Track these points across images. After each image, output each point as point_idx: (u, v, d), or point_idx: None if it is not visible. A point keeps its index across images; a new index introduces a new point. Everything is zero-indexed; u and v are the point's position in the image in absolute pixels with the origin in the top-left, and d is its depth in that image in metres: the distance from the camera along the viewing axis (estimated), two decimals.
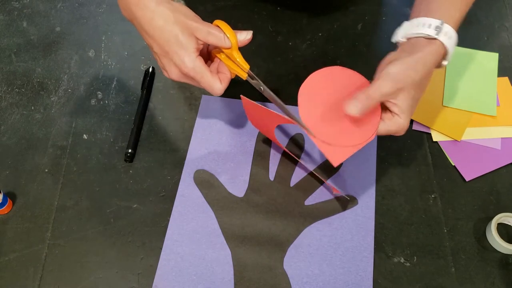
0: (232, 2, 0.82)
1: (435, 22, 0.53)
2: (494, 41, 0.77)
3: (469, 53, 0.75)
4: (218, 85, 0.55)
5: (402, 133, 0.55)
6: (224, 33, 0.54)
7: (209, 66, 0.56)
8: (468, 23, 0.79)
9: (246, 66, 0.56)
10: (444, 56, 0.55)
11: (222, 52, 0.57)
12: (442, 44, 0.53)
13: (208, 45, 0.59)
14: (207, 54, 0.59)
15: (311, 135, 0.54)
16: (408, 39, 0.55)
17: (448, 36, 0.53)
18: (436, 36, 0.53)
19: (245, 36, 0.55)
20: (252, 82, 0.58)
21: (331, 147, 0.54)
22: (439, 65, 0.56)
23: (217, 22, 0.54)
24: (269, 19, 0.80)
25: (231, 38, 0.54)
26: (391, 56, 0.55)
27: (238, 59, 0.56)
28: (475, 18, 0.80)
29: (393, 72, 0.52)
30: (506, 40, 0.77)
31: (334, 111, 0.55)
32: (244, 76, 0.57)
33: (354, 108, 0.52)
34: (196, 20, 0.53)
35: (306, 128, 0.54)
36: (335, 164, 0.53)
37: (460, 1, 0.56)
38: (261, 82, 0.57)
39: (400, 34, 0.56)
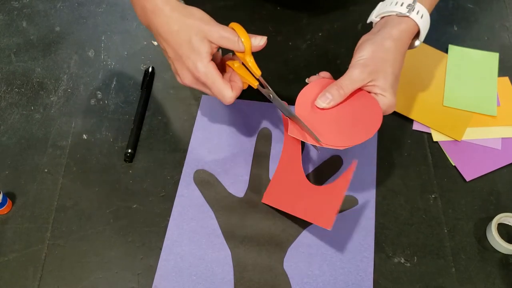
0: (232, 2, 0.82)
1: (407, 0, 0.55)
2: (494, 41, 0.77)
3: (469, 53, 0.75)
4: (229, 93, 0.54)
5: (390, 111, 0.55)
6: (238, 36, 0.53)
7: (222, 75, 0.56)
8: (468, 23, 0.80)
9: (258, 72, 0.56)
10: (417, 35, 0.57)
11: (235, 60, 0.57)
12: (414, 22, 0.55)
13: (222, 56, 0.59)
14: (221, 65, 0.58)
15: (318, 142, 0.54)
16: (381, 18, 0.57)
17: (421, 15, 0.55)
18: (407, 14, 0.54)
19: (259, 41, 0.55)
20: (263, 90, 0.57)
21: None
22: (411, 45, 0.58)
23: (233, 25, 0.54)
24: (269, 19, 0.79)
25: (245, 42, 0.54)
26: (362, 38, 0.56)
27: (250, 64, 0.55)
28: (475, 18, 0.80)
29: (362, 57, 0.54)
30: (506, 40, 0.77)
31: (333, 114, 0.56)
32: (255, 84, 0.56)
33: (324, 99, 0.54)
34: (209, 23, 0.53)
35: (312, 133, 0.54)
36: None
37: None
38: (271, 90, 0.57)
39: (374, 14, 0.58)
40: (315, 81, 0.58)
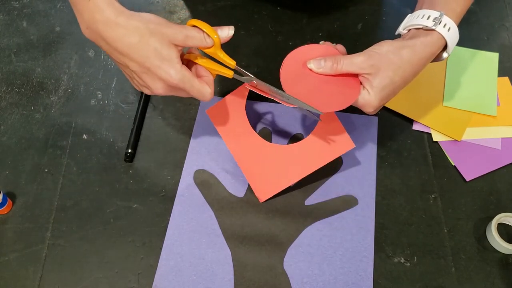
0: (232, 2, 0.82)
1: (434, 13, 0.54)
2: (494, 41, 0.77)
3: (469, 53, 0.75)
4: (207, 90, 0.52)
5: (369, 110, 0.55)
6: (204, 32, 0.51)
7: None
8: (468, 23, 0.80)
9: (233, 63, 0.53)
10: (444, 48, 0.56)
11: (194, 53, 0.54)
12: (441, 35, 0.54)
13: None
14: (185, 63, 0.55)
15: (318, 113, 0.53)
16: (409, 30, 0.57)
17: (447, 28, 0.54)
18: (433, 27, 0.53)
19: (227, 32, 0.52)
20: (242, 78, 0.56)
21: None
22: (438, 57, 0.57)
23: (193, 21, 0.51)
24: (269, 19, 0.80)
25: (212, 36, 0.51)
26: (381, 55, 0.54)
27: (223, 57, 0.53)
28: (475, 18, 0.80)
29: (374, 50, 0.54)
30: (506, 40, 0.77)
31: (315, 81, 0.55)
32: (230, 74, 0.54)
33: (316, 64, 0.54)
34: (170, 26, 0.50)
35: (311, 108, 0.53)
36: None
37: None
38: (252, 76, 0.55)
39: (402, 26, 0.58)
40: (319, 45, 0.57)
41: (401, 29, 0.58)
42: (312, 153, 0.61)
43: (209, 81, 0.53)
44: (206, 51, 0.53)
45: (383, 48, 0.54)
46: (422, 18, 0.54)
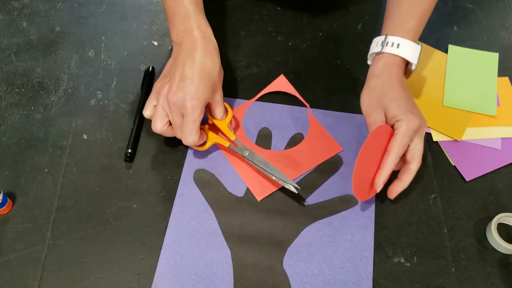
0: (232, 2, 0.82)
1: (381, 38, 0.61)
2: (494, 41, 0.77)
3: (469, 53, 0.75)
4: (194, 136, 0.59)
5: (413, 126, 0.57)
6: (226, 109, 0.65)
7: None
8: (468, 23, 0.80)
9: (232, 137, 0.64)
10: (406, 62, 0.61)
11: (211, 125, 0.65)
12: (391, 54, 0.60)
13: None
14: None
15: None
16: (372, 60, 0.63)
17: (396, 45, 0.60)
18: (382, 51, 0.60)
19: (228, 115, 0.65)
20: (236, 149, 0.64)
21: None
22: (409, 70, 0.62)
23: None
24: (269, 19, 0.80)
25: (228, 115, 0.65)
26: (367, 105, 0.60)
27: (225, 130, 0.65)
28: (475, 18, 0.80)
29: (364, 106, 0.60)
30: (506, 40, 0.77)
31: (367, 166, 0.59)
32: (225, 144, 0.64)
33: (380, 179, 0.58)
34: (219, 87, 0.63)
35: (294, 185, 0.60)
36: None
37: (413, 8, 0.61)
38: (247, 148, 0.64)
39: (368, 59, 0.64)
40: (375, 134, 0.59)
41: (369, 62, 0.64)
42: (305, 157, 0.66)
43: (203, 135, 0.62)
44: (216, 122, 0.65)
45: (365, 96, 0.60)
46: (375, 46, 0.62)
